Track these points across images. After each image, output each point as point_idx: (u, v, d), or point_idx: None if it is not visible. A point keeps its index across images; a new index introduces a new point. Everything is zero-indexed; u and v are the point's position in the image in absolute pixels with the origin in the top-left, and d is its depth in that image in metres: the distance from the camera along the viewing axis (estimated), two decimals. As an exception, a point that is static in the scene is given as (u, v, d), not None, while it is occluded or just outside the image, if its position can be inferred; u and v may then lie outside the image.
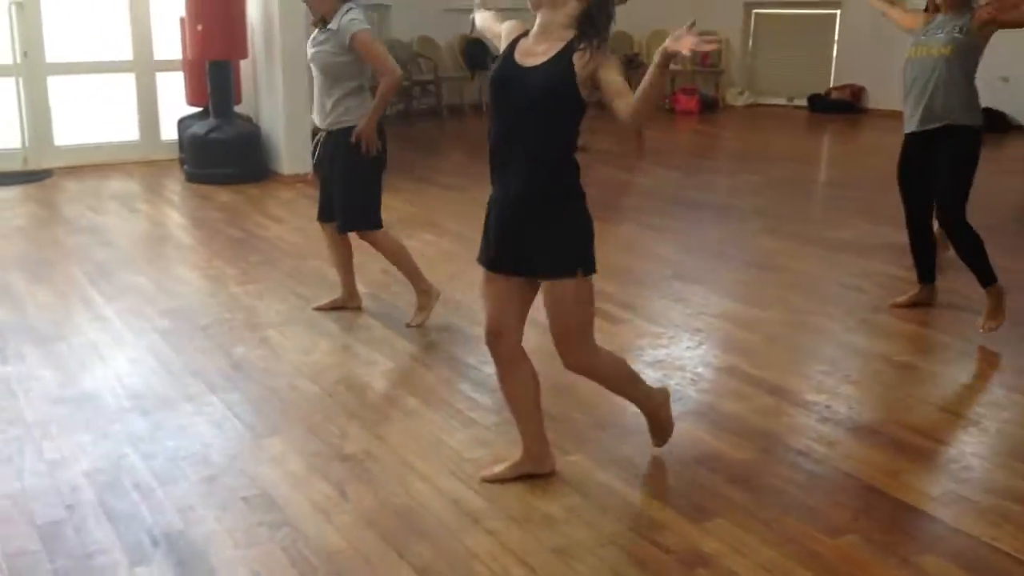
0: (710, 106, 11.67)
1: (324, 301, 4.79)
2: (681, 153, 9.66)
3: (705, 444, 3.44)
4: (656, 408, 3.27)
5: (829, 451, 3.37)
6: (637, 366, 4.09)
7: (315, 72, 4.43)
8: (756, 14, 12.22)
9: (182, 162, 8.05)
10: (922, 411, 3.71)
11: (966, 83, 4.40)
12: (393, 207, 6.64)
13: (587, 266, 2.88)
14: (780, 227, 6.33)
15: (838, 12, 11.56)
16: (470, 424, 3.58)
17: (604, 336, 4.41)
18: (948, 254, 5.10)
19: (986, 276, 4.47)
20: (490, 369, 4.04)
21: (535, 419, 3.11)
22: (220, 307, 4.84)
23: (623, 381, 3.19)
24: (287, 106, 7.68)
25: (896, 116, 11.34)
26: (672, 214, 6.80)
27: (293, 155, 7.74)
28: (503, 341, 3.00)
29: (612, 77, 2.75)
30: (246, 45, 7.77)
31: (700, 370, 4.07)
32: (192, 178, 7.75)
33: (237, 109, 7.99)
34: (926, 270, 4.80)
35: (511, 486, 3.10)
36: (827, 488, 3.15)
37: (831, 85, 11.83)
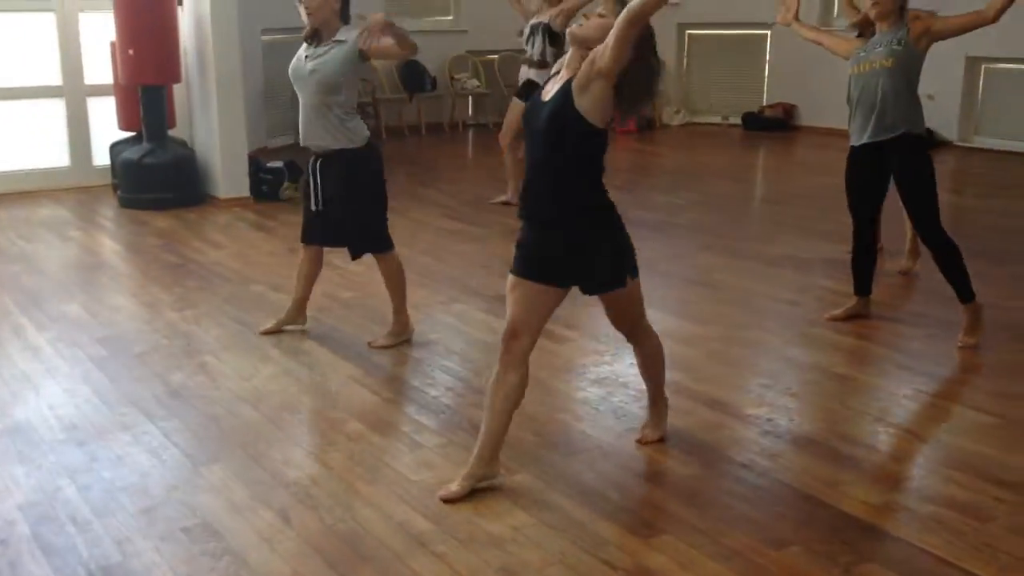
0: (647, 125, 11.82)
1: (269, 324, 4.74)
2: (620, 172, 9.75)
3: (650, 460, 3.46)
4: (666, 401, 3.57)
5: (771, 463, 3.41)
6: (581, 384, 4.13)
7: (310, 90, 4.28)
8: (689, 34, 12.42)
9: (115, 188, 7.91)
10: (860, 422, 3.78)
11: (910, 93, 4.48)
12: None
13: (631, 273, 3.20)
14: (718, 243, 6.41)
15: (768, 32, 11.80)
16: (415, 447, 3.55)
17: (547, 355, 4.45)
18: (911, 268, 5.26)
19: (966, 292, 4.51)
20: (435, 391, 4.05)
21: (504, 424, 3.17)
22: (156, 334, 4.75)
23: (662, 364, 3.52)
24: (223, 129, 7.60)
25: (827, 133, 11.62)
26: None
27: (230, 178, 7.65)
28: (519, 343, 3.12)
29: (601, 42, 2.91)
30: (179, 69, 7.67)
31: (643, 387, 4.09)
32: (126, 204, 7.62)
33: (171, 133, 7.88)
34: (864, 283, 4.89)
35: (457, 508, 3.09)
36: (770, 500, 3.18)
37: (764, 104, 12.06)
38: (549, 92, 3.07)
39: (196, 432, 3.67)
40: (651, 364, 3.54)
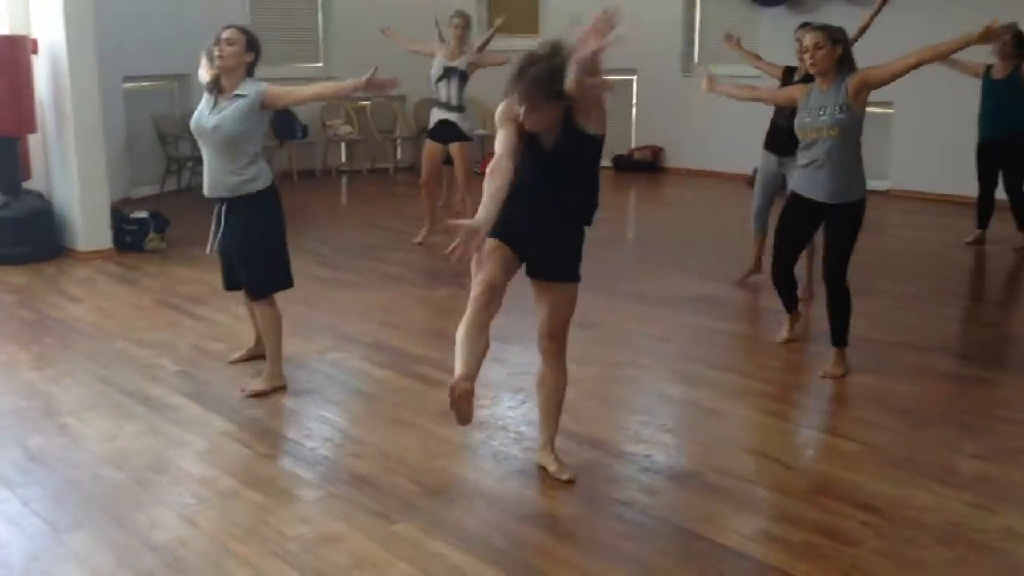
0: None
1: (240, 353, 4.87)
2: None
3: (533, 502, 3.46)
4: None
5: (651, 500, 3.45)
6: (461, 429, 4.08)
7: (213, 142, 4.31)
8: (559, 80, 12.71)
9: (-33, 243, 7.50)
10: (733, 454, 3.87)
11: (855, 159, 4.60)
12: (204, 280, 6.43)
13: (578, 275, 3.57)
14: (594, 284, 6.45)
15: (634, 78, 12.16)
16: (292, 501, 3.45)
17: (424, 400, 4.41)
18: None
19: (843, 338, 4.72)
20: (312, 443, 3.96)
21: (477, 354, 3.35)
22: (14, 395, 4.50)
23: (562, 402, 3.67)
24: (82, 181, 7.31)
25: (693, 174, 11.97)
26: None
27: (91, 230, 7.36)
28: (497, 297, 3.41)
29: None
30: (34, 120, 7.37)
31: (523, 429, 4.10)
32: (-21, 259, 7.23)
33: (27, 185, 7.55)
34: (793, 301, 5.12)
35: (337, 561, 3.01)
36: (651, 536, 3.21)
37: (633, 146, 12.40)
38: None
39: (58, 498, 3.47)
40: (556, 398, 3.63)
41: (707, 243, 7.89)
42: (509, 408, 4.32)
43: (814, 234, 4.94)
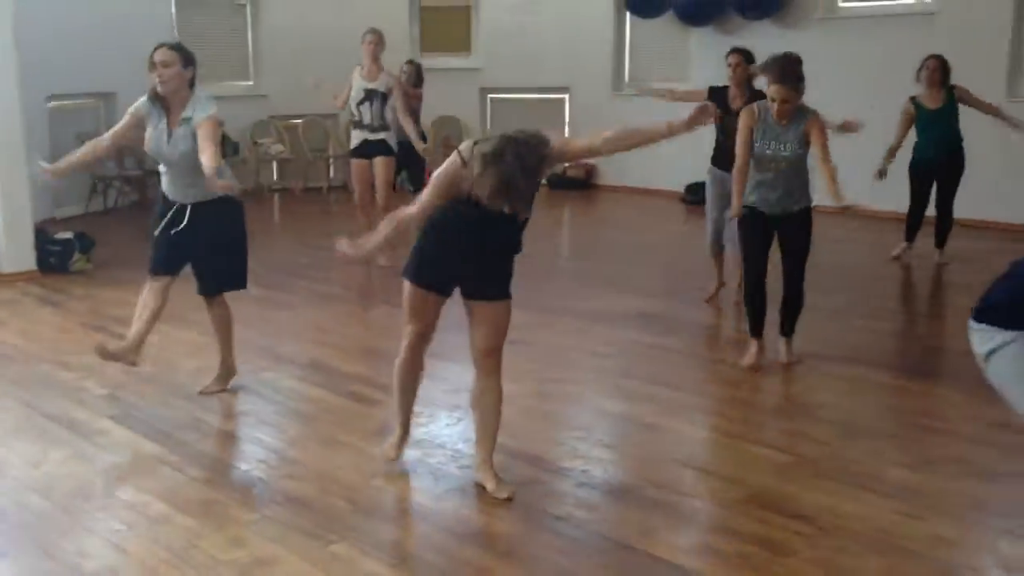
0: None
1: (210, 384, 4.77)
2: (429, 234, 9.81)
3: (471, 520, 3.44)
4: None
5: (588, 515, 3.46)
6: (397, 448, 4.07)
7: (178, 164, 4.39)
8: (491, 98, 12.77)
9: None
10: (670, 468, 3.90)
11: (806, 174, 5.00)
12: (132, 302, 6.27)
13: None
14: (531, 301, 6.49)
15: (567, 96, 12.27)
16: (225, 524, 3.39)
17: (360, 419, 4.37)
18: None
19: (793, 328, 5.17)
20: (246, 465, 3.89)
21: (413, 398, 3.81)
22: (-69, 422, 4.35)
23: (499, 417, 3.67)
24: (5, 201, 7.10)
25: (625, 191, 12.08)
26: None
27: (14, 252, 7.15)
28: (426, 342, 3.69)
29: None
30: (-46, 138, 7.17)
31: (460, 447, 4.08)
32: None
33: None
34: (761, 323, 5.17)
35: (272, 586, 2.96)
36: (588, 552, 3.22)
37: (566, 164, 12.49)
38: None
39: (-22, 527, 3.36)
40: (495, 414, 3.62)
41: (641, 260, 7.97)
42: (446, 426, 4.30)
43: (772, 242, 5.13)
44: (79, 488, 3.68)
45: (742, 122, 4.98)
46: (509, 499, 3.54)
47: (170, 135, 4.36)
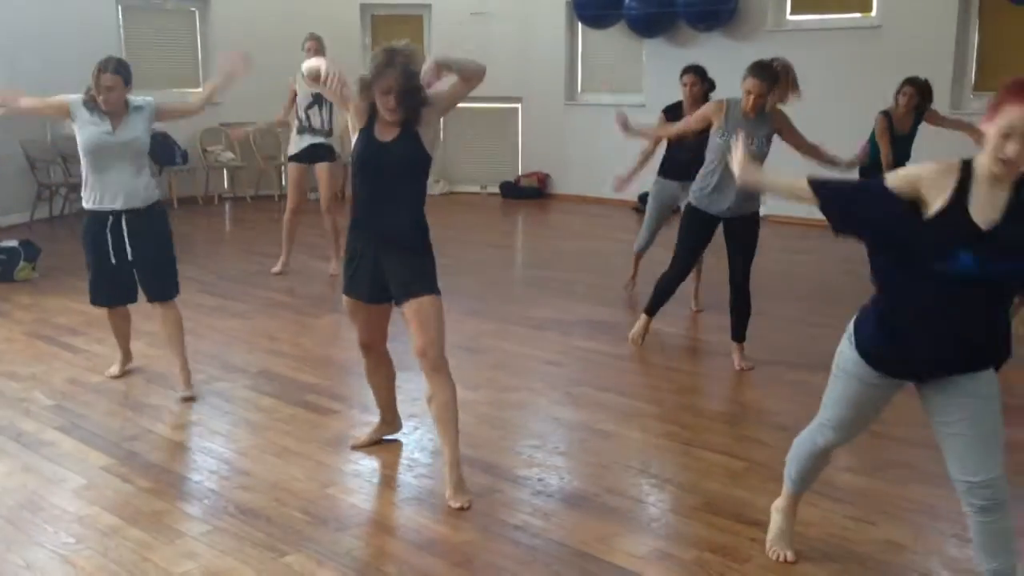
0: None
1: (115, 371, 5.02)
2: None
3: (427, 530, 3.42)
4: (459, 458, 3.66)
5: (545, 523, 3.46)
6: (352, 456, 4.04)
7: (125, 158, 4.51)
8: (445, 108, 12.77)
9: None
10: (624, 475, 3.92)
11: None
12: (79, 311, 6.19)
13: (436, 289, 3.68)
14: (484, 310, 6.52)
15: (519, 106, 12.30)
16: (177, 536, 3.33)
17: (314, 428, 4.33)
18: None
19: (744, 333, 5.31)
20: (197, 476, 3.84)
21: (391, 394, 4.11)
22: None
23: (455, 417, 3.66)
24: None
25: (578, 200, 12.11)
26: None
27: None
28: (374, 349, 3.93)
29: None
30: None
31: (416, 455, 4.06)
32: None
33: None
34: (658, 308, 5.53)
35: (225, 598, 2.91)
36: (545, 560, 3.22)
37: (520, 173, 12.51)
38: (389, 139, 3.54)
39: (-81, 542, 3.27)
40: (447, 412, 3.62)
41: (594, 268, 8.00)
42: (402, 435, 4.27)
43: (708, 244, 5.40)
44: (27, 501, 3.60)
45: (703, 110, 5.18)
46: (462, 508, 3.53)
47: (115, 127, 4.46)
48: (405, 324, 3.65)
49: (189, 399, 4.66)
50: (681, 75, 6.28)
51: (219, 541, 3.29)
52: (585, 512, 3.56)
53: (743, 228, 5.16)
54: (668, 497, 3.74)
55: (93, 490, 3.71)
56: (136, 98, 4.56)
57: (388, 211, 3.58)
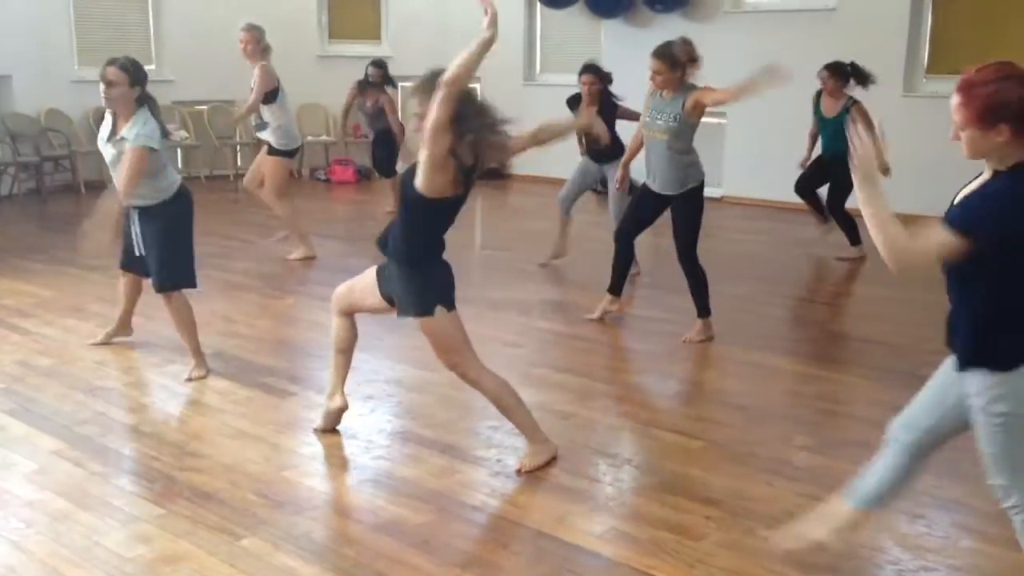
0: (366, 176, 11.85)
1: (98, 338, 5.12)
2: (339, 222, 9.69)
3: (384, 511, 3.41)
4: None
5: (502, 503, 3.47)
6: (308, 438, 4.02)
7: (109, 162, 4.59)
8: (403, 87, 12.65)
9: None
10: (582, 455, 3.93)
11: (684, 157, 5.25)
12: (28, 292, 6.07)
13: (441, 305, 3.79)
14: (440, 290, 6.49)
15: (478, 86, 12.24)
16: (130, 520, 3.29)
17: (270, 411, 4.30)
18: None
19: (706, 308, 5.40)
20: (151, 459, 3.78)
21: (343, 359, 4.04)
22: None
23: (514, 402, 3.81)
24: None
25: (536, 181, 12.10)
26: (334, 283, 6.74)
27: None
28: (350, 318, 4.03)
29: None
30: None
31: (373, 437, 4.05)
32: None
33: None
34: (621, 283, 5.72)
35: (179, 582, 2.88)
36: (503, 540, 3.22)
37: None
38: None
39: None
40: (502, 406, 3.75)
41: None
42: (359, 416, 4.25)
43: (656, 218, 5.57)
44: (-27, 486, 3.53)
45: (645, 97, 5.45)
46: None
47: (111, 136, 4.50)
48: None
49: (189, 380, 4.68)
50: (579, 74, 6.68)
51: (172, 525, 3.25)
52: (543, 492, 3.57)
53: (679, 206, 5.32)
54: (625, 477, 3.77)
55: (43, 474, 3.65)
56: (137, 122, 4.40)
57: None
